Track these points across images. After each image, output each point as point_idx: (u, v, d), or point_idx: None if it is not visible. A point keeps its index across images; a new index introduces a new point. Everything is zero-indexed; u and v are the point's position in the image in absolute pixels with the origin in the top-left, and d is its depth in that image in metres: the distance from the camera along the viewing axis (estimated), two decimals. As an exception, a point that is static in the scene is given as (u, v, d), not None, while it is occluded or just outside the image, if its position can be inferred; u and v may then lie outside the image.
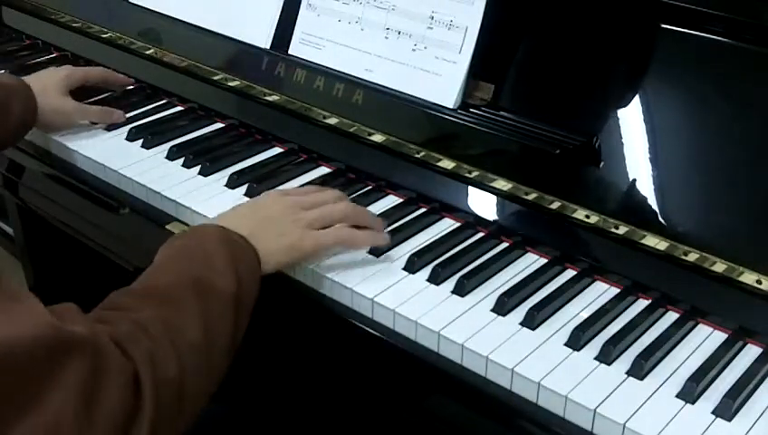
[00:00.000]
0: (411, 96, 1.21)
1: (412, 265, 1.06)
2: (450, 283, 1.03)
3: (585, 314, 0.99)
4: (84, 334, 0.76)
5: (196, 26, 1.45)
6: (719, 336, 0.96)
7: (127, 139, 1.35)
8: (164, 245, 0.98)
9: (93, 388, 0.74)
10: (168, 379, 0.81)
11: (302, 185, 1.22)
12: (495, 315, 0.99)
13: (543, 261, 1.08)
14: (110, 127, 1.38)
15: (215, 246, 0.95)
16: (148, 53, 1.52)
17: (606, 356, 0.92)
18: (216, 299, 0.90)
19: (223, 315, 0.90)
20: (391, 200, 1.20)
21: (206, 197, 1.20)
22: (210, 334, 0.88)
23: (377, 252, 1.07)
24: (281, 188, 1.21)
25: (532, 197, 1.10)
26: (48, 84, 1.32)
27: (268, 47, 1.36)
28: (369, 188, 1.22)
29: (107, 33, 1.59)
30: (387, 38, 1.24)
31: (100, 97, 1.48)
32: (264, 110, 1.35)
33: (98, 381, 0.75)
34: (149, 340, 0.82)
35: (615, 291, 1.03)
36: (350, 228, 1.05)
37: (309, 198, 1.07)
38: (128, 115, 1.41)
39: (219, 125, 1.40)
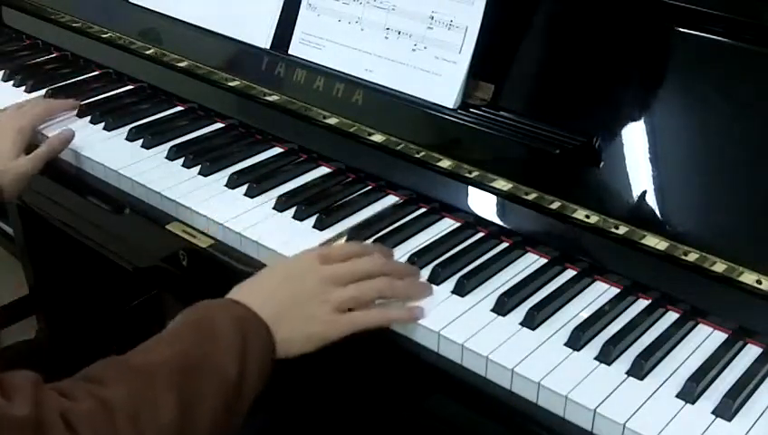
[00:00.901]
0: (411, 96, 1.21)
1: (413, 265, 1.05)
2: (450, 283, 1.03)
3: (585, 314, 0.99)
4: (25, 415, 0.73)
5: (196, 26, 1.45)
6: (719, 336, 0.96)
7: (127, 139, 1.35)
8: (181, 313, 0.93)
9: None
10: None
11: (303, 185, 1.22)
12: (495, 315, 0.99)
13: (543, 261, 1.08)
14: (110, 127, 1.38)
15: (226, 325, 0.90)
16: (148, 53, 1.52)
17: (606, 356, 0.92)
18: (210, 384, 0.86)
19: (212, 402, 0.85)
20: (391, 200, 1.20)
21: (206, 197, 1.20)
22: (188, 422, 0.83)
23: None
24: (285, 184, 1.20)
25: (532, 197, 1.10)
26: (2, 160, 1.27)
27: (268, 47, 1.36)
28: (369, 188, 1.22)
29: (107, 33, 1.59)
30: (387, 38, 1.24)
31: (99, 98, 1.49)
32: (264, 110, 1.35)
33: None
34: (110, 423, 0.78)
35: (615, 291, 1.03)
36: (382, 310, 0.98)
37: (345, 270, 0.98)
38: (128, 116, 1.41)
39: (219, 125, 1.40)
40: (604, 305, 1.00)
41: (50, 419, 0.75)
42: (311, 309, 0.95)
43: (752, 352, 0.94)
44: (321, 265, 0.99)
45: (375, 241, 1.10)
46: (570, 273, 1.06)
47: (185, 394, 0.84)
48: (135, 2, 1.53)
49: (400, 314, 0.98)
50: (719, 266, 0.97)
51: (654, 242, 1.01)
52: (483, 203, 1.14)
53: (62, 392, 0.80)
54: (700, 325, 0.98)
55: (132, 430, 0.79)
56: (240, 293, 0.97)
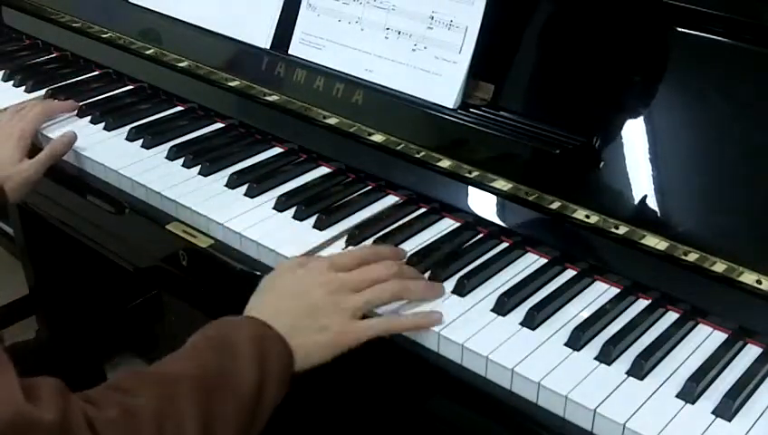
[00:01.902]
0: (411, 96, 1.21)
1: (412, 266, 1.05)
2: (450, 283, 1.03)
3: (585, 314, 0.99)
4: (50, 419, 0.73)
5: (196, 26, 1.45)
6: (719, 336, 0.96)
7: (127, 139, 1.35)
8: (198, 331, 0.93)
9: None
10: None
11: (303, 185, 1.22)
12: (495, 315, 0.99)
13: (543, 261, 1.08)
14: (110, 127, 1.38)
15: (245, 341, 0.90)
16: (148, 53, 1.52)
17: (606, 356, 0.92)
18: (228, 398, 0.86)
19: (232, 416, 0.86)
20: (391, 200, 1.20)
21: (206, 197, 1.20)
22: (210, 434, 0.84)
23: None
24: (286, 185, 1.21)
25: (532, 197, 1.10)
26: (6, 165, 1.27)
27: (268, 47, 1.36)
28: (369, 188, 1.22)
29: (107, 33, 1.59)
30: (387, 38, 1.24)
31: (99, 98, 1.49)
32: (264, 110, 1.35)
33: None
34: (134, 431, 0.79)
35: (615, 291, 1.03)
36: (397, 317, 0.98)
37: (357, 277, 0.98)
38: (128, 116, 1.41)
39: (219, 125, 1.40)
40: (604, 305, 1.00)
41: (77, 424, 0.75)
42: (326, 319, 0.94)
43: (752, 352, 0.94)
44: (333, 272, 0.98)
45: (375, 241, 1.10)
46: (570, 273, 1.06)
47: (206, 409, 0.84)
48: (135, 2, 1.53)
49: (418, 320, 0.97)
50: (719, 266, 0.97)
51: (654, 242, 1.01)
52: (483, 203, 1.14)
53: (88, 400, 0.80)
54: (700, 325, 0.98)
55: None
56: (256, 309, 0.97)
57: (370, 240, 1.10)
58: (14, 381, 0.74)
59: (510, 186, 1.12)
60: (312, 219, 1.15)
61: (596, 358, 0.93)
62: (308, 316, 0.95)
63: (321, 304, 0.95)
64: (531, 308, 0.98)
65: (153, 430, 0.80)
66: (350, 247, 1.10)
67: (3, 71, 1.60)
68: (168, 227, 1.19)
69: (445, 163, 1.17)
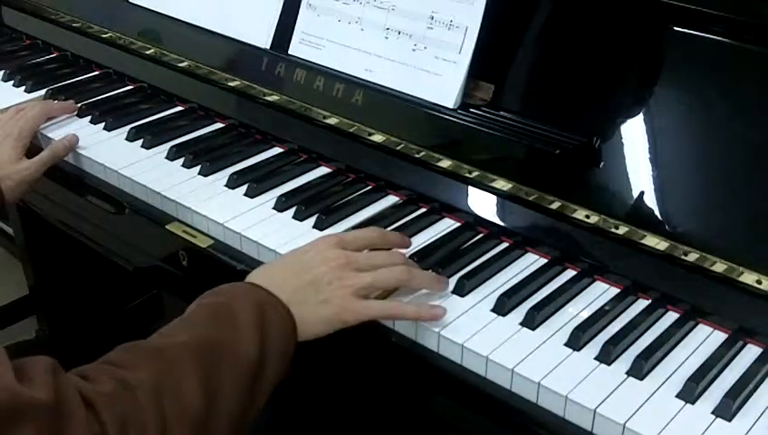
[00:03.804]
0: (411, 96, 1.21)
1: (412, 266, 1.06)
2: (450, 283, 1.03)
3: (585, 314, 0.99)
4: (43, 398, 0.72)
5: (196, 26, 1.45)
6: (719, 336, 0.96)
7: (127, 139, 1.35)
8: (199, 297, 0.93)
9: None
10: None
11: (303, 185, 1.22)
12: (495, 315, 0.99)
13: (543, 261, 1.08)
14: (110, 127, 1.38)
15: (245, 307, 0.90)
16: (148, 53, 1.52)
17: (606, 356, 0.92)
18: (229, 366, 0.86)
19: (234, 384, 0.85)
20: (391, 200, 1.20)
21: (206, 197, 1.20)
22: (212, 403, 0.83)
23: None
24: (287, 185, 1.21)
25: (532, 197, 1.10)
26: (4, 164, 1.27)
27: (268, 47, 1.36)
28: (369, 188, 1.22)
29: (107, 33, 1.59)
30: (387, 38, 1.24)
31: (99, 98, 1.49)
32: (264, 110, 1.35)
33: None
34: (132, 403, 0.78)
35: (615, 291, 1.03)
36: (399, 303, 0.98)
37: (364, 257, 0.98)
38: (128, 116, 1.41)
39: (219, 125, 1.40)
40: (604, 305, 1.00)
41: (71, 401, 0.75)
42: (328, 292, 0.95)
43: (752, 352, 0.94)
44: (340, 249, 0.99)
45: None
46: (570, 273, 1.06)
47: (207, 378, 0.84)
48: (135, 2, 1.53)
49: (420, 311, 0.97)
50: (719, 266, 0.97)
51: (654, 242, 1.01)
52: (483, 203, 1.14)
53: (83, 376, 0.80)
54: (700, 325, 0.98)
55: (156, 410, 0.79)
56: (258, 276, 0.97)
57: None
58: (4, 362, 0.74)
59: (510, 186, 1.12)
60: (312, 219, 1.15)
61: (596, 358, 0.93)
62: (310, 287, 0.95)
63: (325, 278, 0.95)
64: (531, 308, 0.98)
65: (152, 403, 0.79)
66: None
67: (3, 71, 1.60)
68: (167, 227, 1.19)
69: (445, 163, 1.17)
